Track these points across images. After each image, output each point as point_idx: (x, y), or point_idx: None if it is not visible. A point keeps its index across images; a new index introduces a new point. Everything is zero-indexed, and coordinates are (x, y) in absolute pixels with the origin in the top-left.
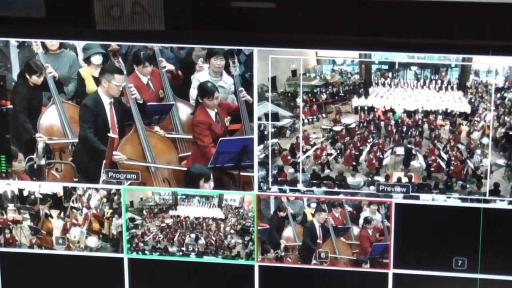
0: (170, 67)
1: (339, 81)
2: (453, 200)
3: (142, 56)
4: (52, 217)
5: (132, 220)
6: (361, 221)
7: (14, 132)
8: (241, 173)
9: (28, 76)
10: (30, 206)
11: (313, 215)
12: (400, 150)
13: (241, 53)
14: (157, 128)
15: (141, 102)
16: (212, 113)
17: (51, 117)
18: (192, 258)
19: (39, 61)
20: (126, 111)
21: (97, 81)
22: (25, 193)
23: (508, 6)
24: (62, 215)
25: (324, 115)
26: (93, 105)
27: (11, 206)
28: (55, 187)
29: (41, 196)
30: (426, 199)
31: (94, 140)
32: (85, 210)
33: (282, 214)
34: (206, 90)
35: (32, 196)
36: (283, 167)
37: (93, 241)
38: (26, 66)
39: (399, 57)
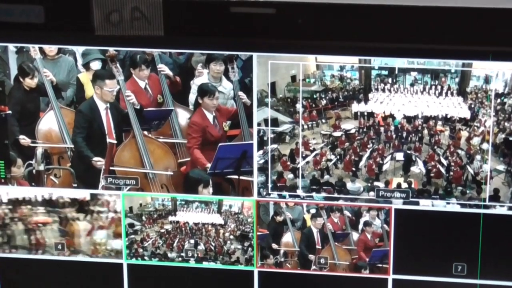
0: (169, 72)
1: (338, 87)
2: (452, 206)
3: (139, 59)
4: (79, 219)
5: (131, 225)
6: (360, 226)
7: (13, 137)
8: (241, 179)
9: (21, 79)
10: (58, 209)
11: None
12: (400, 156)
13: (241, 58)
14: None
15: (139, 107)
16: (210, 116)
17: (49, 122)
18: (192, 263)
19: (31, 63)
20: (123, 116)
21: (92, 87)
22: (54, 197)
23: (508, 11)
24: (88, 218)
25: (323, 120)
26: (88, 111)
27: (41, 209)
28: (82, 193)
29: (69, 200)
30: (425, 204)
31: (81, 145)
32: (111, 214)
33: (279, 218)
34: (206, 90)
35: (61, 200)
36: (283, 172)
37: (118, 243)
38: (19, 69)
39: (399, 62)
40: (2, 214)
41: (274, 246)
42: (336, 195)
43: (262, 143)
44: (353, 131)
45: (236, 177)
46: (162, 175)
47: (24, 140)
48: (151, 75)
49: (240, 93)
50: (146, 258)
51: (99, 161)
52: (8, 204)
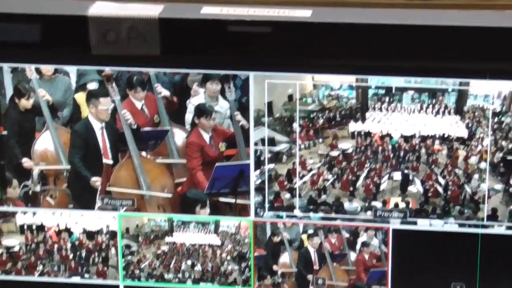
0: (166, 93)
1: (335, 106)
2: (450, 226)
3: (135, 81)
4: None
5: (127, 247)
6: (358, 246)
7: (8, 158)
8: (237, 199)
9: (17, 100)
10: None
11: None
12: (397, 175)
13: (237, 78)
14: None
15: (135, 127)
16: (207, 136)
17: (45, 143)
18: (189, 285)
19: (27, 84)
20: (119, 136)
21: (87, 106)
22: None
23: (505, 30)
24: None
25: (320, 140)
26: (84, 130)
27: None
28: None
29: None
30: (423, 224)
31: (78, 165)
32: None
33: (276, 239)
34: (203, 110)
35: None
36: (280, 192)
37: None
38: (14, 89)
39: (396, 81)
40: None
41: (275, 267)
42: (333, 215)
43: (259, 163)
44: (350, 150)
45: (233, 197)
46: (159, 195)
47: (22, 162)
48: (148, 95)
49: (238, 116)
50: (142, 279)
51: (97, 181)
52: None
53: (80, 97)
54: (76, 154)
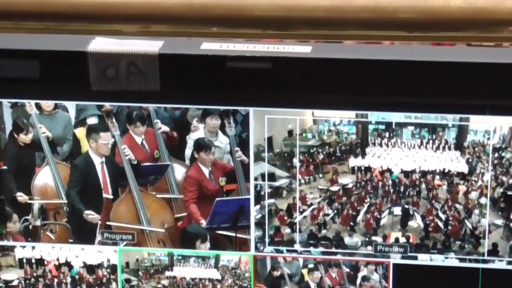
0: (165, 128)
1: (335, 141)
2: (451, 260)
3: (135, 116)
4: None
5: (128, 281)
6: (358, 280)
7: (8, 193)
8: (238, 234)
9: (16, 135)
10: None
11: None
12: (398, 210)
13: (237, 113)
14: None
15: (135, 162)
16: (206, 171)
17: (45, 178)
18: None
19: (27, 119)
20: (119, 171)
21: (87, 141)
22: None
23: (505, 65)
24: None
25: (321, 175)
26: (84, 165)
27: None
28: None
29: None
30: (424, 259)
31: (73, 198)
32: None
33: (276, 273)
34: (203, 145)
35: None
36: (280, 227)
37: None
38: (13, 124)
39: (396, 117)
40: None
41: None
42: (334, 249)
43: (259, 198)
44: (350, 185)
45: (233, 232)
46: (159, 230)
47: (21, 197)
48: (148, 130)
49: (238, 151)
50: None
51: (90, 215)
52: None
53: (80, 132)
54: (74, 188)
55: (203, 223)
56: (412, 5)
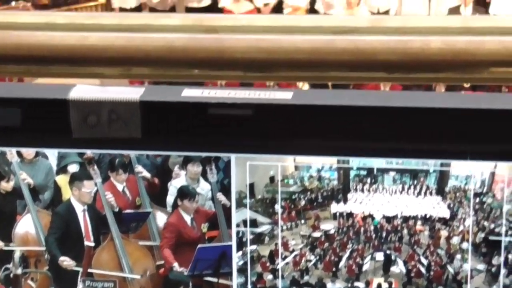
0: (147, 175)
1: (317, 187)
2: None
3: (117, 163)
4: None
5: None
6: None
7: None
8: (220, 280)
9: None
10: None
11: None
12: (380, 256)
13: (219, 159)
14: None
15: (117, 210)
16: (188, 218)
17: (26, 225)
18: None
19: (8, 166)
20: (101, 219)
21: (70, 188)
22: None
23: (485, 111)
24: None
25: (302, 221)
26: (66, 212)
27: None
28: None
29: None
30: None
31: (51, 244)
32: None
33: None
34: (187, 193)
35: None
36: (262, 274)
37: None
38: None
39: (377, 162)
40: None
41: None
42: None
43: (241, 245)
44: (332, 231)
45: (216, 279)
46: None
47: (5, 245)
48: (129, 177)
49: (219, 196)
50: None
51: (65, 261)
52: None
53: (61, 179)
54: (53, 234)
55: (174, 266)
56: (392, 47)
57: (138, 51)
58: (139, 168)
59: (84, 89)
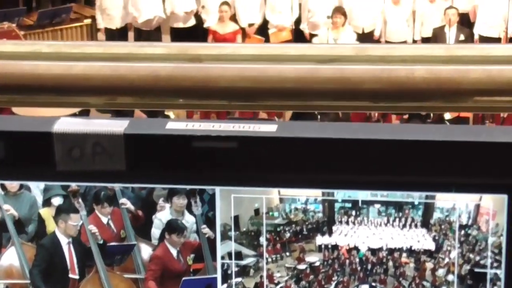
0: (131, 207)
1: (302, 220)
2: None
3: (102, 196)
4: None
5: None
6: None
7: None
8: None
9: None
10: None
11: None
12: None
13: (204, 192)
14: None
15: (101, 242)
16: (174, 251)
17: (10, 258)
18: None
19: None
20: (86, 251)
21: (55, 221)
22: None
23: (469, 144)
24: None
25: (288, 253)
26: (50, 245)
27: None
28: None
29: None
30: None
31: (34, 276)
32: None
33: None
34: (176, 227)
35: None
36: None
37: None
38: None
39: (362, 195)
40: None
41: None
42: None
43: (226, 277)
44: (317, 263)
45: None
46: None
47: None
48: (114, 210)
49: (204, 229)
50: None
51: None
52: None
53: (45, 212)
54: (37, 267)
55: None
56: (377, 76)
57: (123, 81)
58: (123, 200)
59: (68, 122)
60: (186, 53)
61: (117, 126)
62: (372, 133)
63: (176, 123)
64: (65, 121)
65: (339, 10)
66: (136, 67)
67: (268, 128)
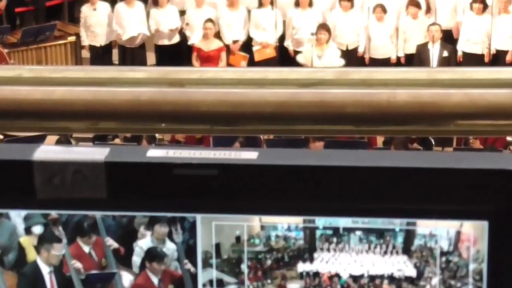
0: (115, 245)
1: (283, 247)
2: None
3: (83, 224)
4: None
5: None
6: None
7: None
8: None
9: None
10: None
11: None
12: None
13: (185, 220)
14: None
15: (83, 271)
16: (155, 279)
17: None
18: None
19: None
20: (67, 280)
21: (37, 250)
22: None
23: (450, 171)
24: None
25: (269, 281)
26: (32, 274)
27: None
28: None
29: None
30: None
31: None
32: None
33: None
34: (156, 255)
35: None
36: None
37: None
38: None
39: (343, 222)
40: None
41: None
42: None
43: None
44: None
45: None
46: None
47: None
48: (97, 239)
49: (186, 264)
50: None
51: None
52: None
53: (25, 241)
54: None
55: None
56: (358, 100)
57: (104, 105)
58: (107, 239)
59: (48, 150)
60: (167, 77)
61: (98, 154)
62: (352, 160)
63: (157, 151)
64: (46, 149)
65: (324, 27)
66: (117, 92)
67: (249, 156)
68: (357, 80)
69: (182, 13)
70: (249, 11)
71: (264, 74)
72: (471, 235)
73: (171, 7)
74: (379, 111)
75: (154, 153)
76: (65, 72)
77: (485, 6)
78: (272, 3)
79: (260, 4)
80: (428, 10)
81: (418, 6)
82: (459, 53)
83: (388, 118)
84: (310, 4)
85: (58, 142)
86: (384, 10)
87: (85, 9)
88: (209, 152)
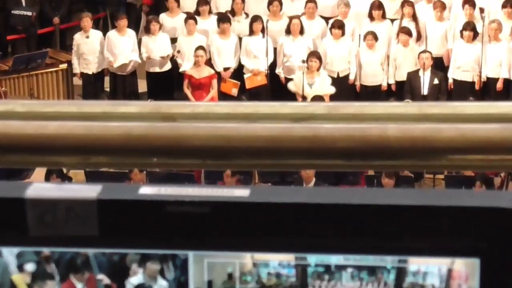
0: (107, 282)
1: (275, 284)
2: None
3: (75, 262)
4: None
5: None
6: None
7: None
8: None
9: None
10: None
11: None
12: None
13: (177, 257)
14: None
15: None
16: None
17: None
18: None
19: None
20: None
21: (30, 287)
22: None
23: (441, 208)
24: None
25: None
26: None
27: None
28: None
29: None
30: None
31: None
32: None
33: None
34: None
35: None
36: None
37: None
38: None
39: (335, 259)
40: None
41: None
42: None
43: None
44: None
45: None
46: None
47: None
48: (90, 276)
49: None
50: None
51: None
52: None
53: (17, 278)
54: None
55: None
56: (350, 135)
57: (96, 140)
58: (100, 276)
59: (41, 188)
60: (159, 111)
61: (90, 191)
62: (344, 197)
63: (149, 188)
64: (38, 187)
65: (315, 54)
66: (109, 126)
67: (241, 193)
68: (349, 115)
69: (174, 40)
70: (240, 39)
71: (255, 108)
72: (463, 272)
73: (163, 35)
74: (370, 146)
75: (146, 190)
76: (57, 107)
77: (476, 34)
78: (263, 31)
79: (251, 32)
80: (419, 37)
81: (409, 33)
82: (450, 81)
83: (380, 153)
84: (301, 32)
85: (48, 173)
86: (375, 38)
87: (78, 37)
88: (201, 190)
